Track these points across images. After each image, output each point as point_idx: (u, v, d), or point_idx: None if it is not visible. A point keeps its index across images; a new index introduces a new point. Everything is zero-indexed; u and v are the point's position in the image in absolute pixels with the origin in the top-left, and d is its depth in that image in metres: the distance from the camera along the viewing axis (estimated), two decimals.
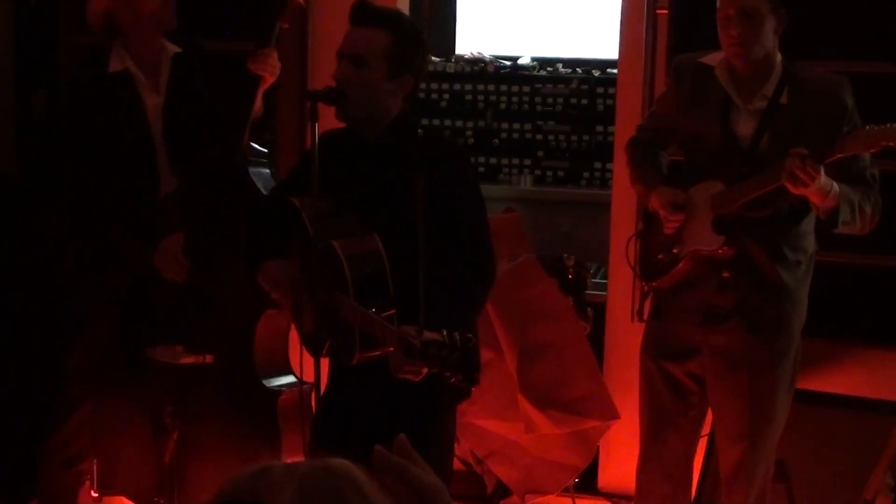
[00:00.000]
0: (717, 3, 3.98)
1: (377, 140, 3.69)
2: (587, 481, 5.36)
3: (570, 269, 5.36)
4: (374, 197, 3.66)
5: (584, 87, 6.79)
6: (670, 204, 4.16)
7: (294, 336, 4.21)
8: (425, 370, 3.23)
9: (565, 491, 5.25)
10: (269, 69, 4.46)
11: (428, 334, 3.11)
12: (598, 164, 6.76)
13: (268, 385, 4.47)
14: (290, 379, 4.57)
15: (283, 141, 5.34)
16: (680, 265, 4.20)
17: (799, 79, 4.03)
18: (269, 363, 4.52)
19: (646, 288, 4.45)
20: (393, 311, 3.40)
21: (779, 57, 4.04)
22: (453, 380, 3.08)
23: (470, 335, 3.08)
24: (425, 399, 3.59)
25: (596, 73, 6.83)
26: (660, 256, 4.27)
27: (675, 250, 4.20)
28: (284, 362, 4.61)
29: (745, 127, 4.07)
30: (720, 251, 4.08)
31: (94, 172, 4.47)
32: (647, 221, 4.40)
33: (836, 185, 3.83)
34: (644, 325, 4.45)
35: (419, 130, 3.72)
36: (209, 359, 4.38)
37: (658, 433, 4.37)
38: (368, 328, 3.38)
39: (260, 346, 4.49)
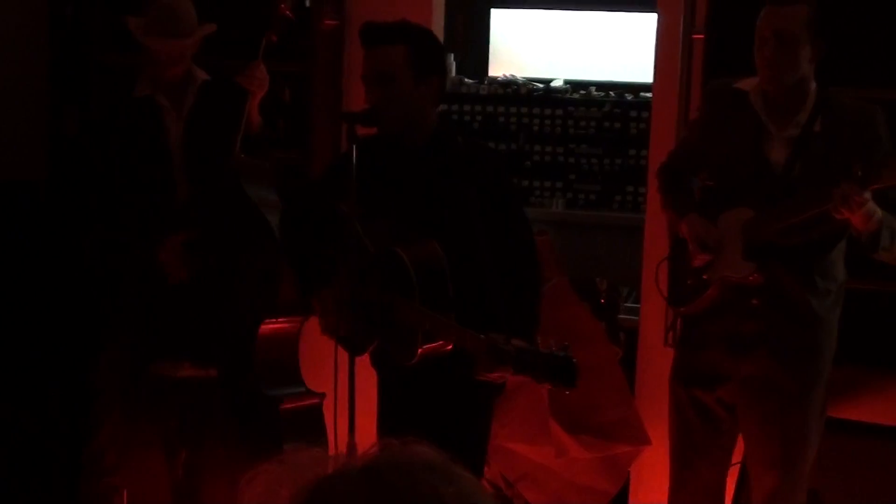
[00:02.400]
0: (757, 23, 3.97)
1: (419, 148, 3.75)
2: None
3: (603, 293, 5.34)
4: (421, 203, 3.71)
5: (617, 110, 6.78)
6: (700, 242, 4.13)
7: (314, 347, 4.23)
8: (510, 372, 3.35)
9: None
10: (257, 83, 4.47)
11: (517, 342, 3.25)
12: (630, 188, 6.75)
13: (270, 394, 4.43)
14: (296, 388, 4.54)
15: (316, 158, 5.34)
16: (709, 291, 4.16)
17: (833, 106, 3.99)
18: (272, 372, 4.48)
19: (674, 314, 4.43)
20: (453, 315, 3.51)
21: (813, 84, 4.01)
22: (548, 385, 3.26)
23: (567, 343, 3.18)
24: (471, 393, 3.73)
25: (629, 97, 6.82)
26: (689, 282, 4.24)
27: (704, 276, 4.17)
28: (290, 371, 4.56)
29: (777, 154, 4.03)
30: (750, 278, 4.04)
31: (113, 193, 4.49)
32: (677, 246, 4.37)
33: (879, 210, 3.80)
34: (674, 351, 4.43)
35: (459, 138, 3.78)
36: (213, 372, 4.38)
37: (689, 462, 4.33)
38: (441, 334, 3.49)
39: (262, 356, 4.45)
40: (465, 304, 3.54)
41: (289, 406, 4.42)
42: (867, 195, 3.72)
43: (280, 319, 4.46)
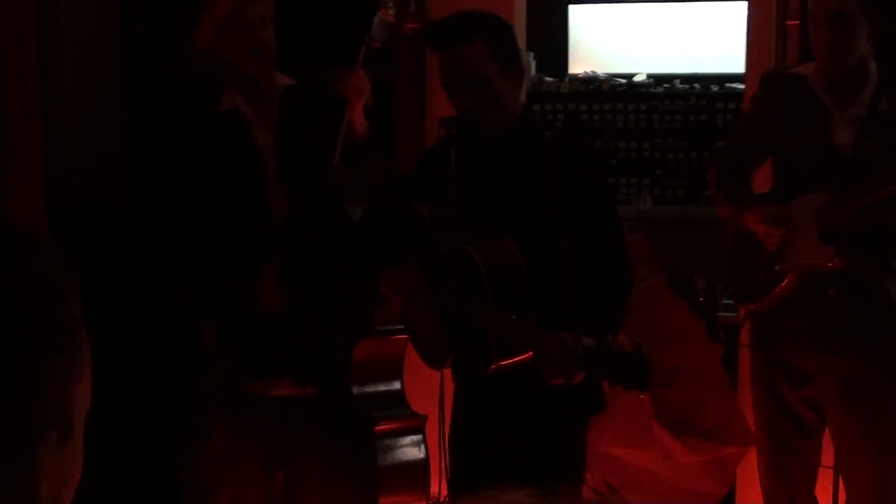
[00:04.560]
0: (808, 5, 3.87)
1: (503, 142, 3.58)
2: None
3: (700, 291, 5.22)
4: (504, 201, 3.56)
5: (703, 102, 6.65)
6: (770, 218, 3.99)
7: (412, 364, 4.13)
8: (581, 375, 3.15)
9: None
10: (356, 90, 4.21)
11: (587, 341, 3.03)
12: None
13: (366, 415, 4.33)
14: (395, 410, 4.44)
15: (401, 165, 5.25)
16: (783, 284, 4.02)
17: None
18: (369, 393, 4.38)
19: (745, 312, 4.29)
20: (531, 319, 3.31)
21: (873, 63, 3.91)
22: (621, 387, 3.02)
23: (639, 339, 3.01)
24: (559, 412, 3.52)
25: (714, 88, 6.68)
26: (760, 276, 4.09)
27: (777, 267, 4.03)
28: (391, 392, 4.47)
29: (844, 136, 3.92)
30: (829, 264, 3.90)
31: (205, 213, 4.39)
32: (741, 242, 4.21)
33: None
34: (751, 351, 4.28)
35: (546, 133, 3.62)
36: (310, 391, 4.28)
37: (779, 464, 4.21)
38: (513, 337, 3.28)
39: (359, 376, 4.35)
40: (547, 307, 3.36)
41: (384, 427, 4.32)
42: None
43: (378, 339, 4.35)
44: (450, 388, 3.73)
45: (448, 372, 3.71)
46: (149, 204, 5.40)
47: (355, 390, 4.30)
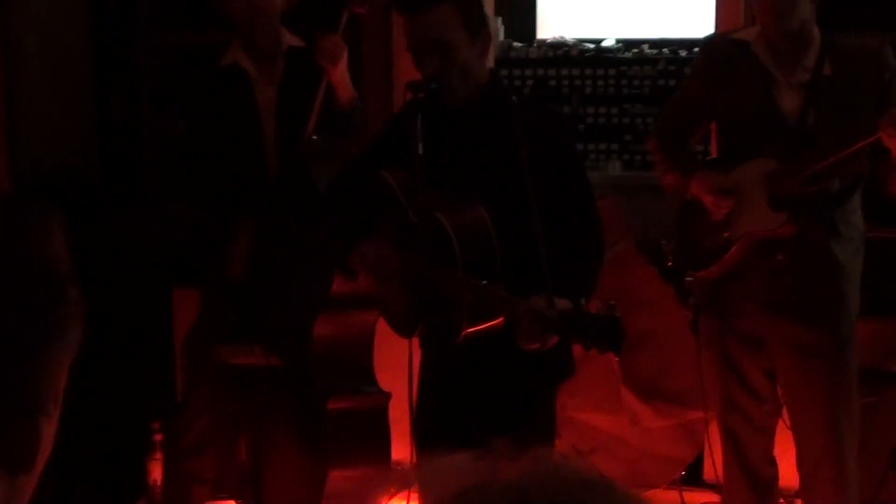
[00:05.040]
0: None
1: (470, 108, 3.55)
2: (694, 473, 5.21)
3: (669, 256, 5.20)
4: (471, 166, 3.54)
5: (672, 67, 6.60)
6: (718, 188, 3.98)
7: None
8: (555, 340, 3.14)
9: (672, 484, 5.12)
10: (328, 56, 4.21)
11: (560, 304, 3.01)
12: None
13: (322, 388, 4.31)
14: (356, 385, 4.42)
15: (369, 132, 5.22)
16: (732, 251, 4.02)
17: (839, 48, 3.91)
18: (330, 367, 4.36)
19: (691, 280, 4.29)
20: (502, 285, 3.30)
21: (816, 28, 3.92)
22: (595, 350, 3.01)
23: (613, 302, 2.99)
24: (528, 378, 3.52)
25: (683, 53, 6.64)
26: (706, 244, 4.09)
27: (725, 235, 4.02)
28: (354, 368, 4.45)
29: (789, 101, 3.94)
30: (780, 230, 3.91)
31: (205, 168, 4.38)
32: (685, 210, 4.21)
33: None
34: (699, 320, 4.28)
35: (514, 98, 3.60)
36: (275, 360, 4.27)
37: (736, 433, 4.21)
38: (484, 303, 3.27)
39: (320, 350, 4.33)
40: (517, 272, 3.35)
41: (342, 403, 4.31)
42: None
43: (343, 313, 4.33)
44: (418, 355, 3.72)
45: (416, 340, 3.70)
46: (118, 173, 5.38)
47: (317, 364, 4.29)
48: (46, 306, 1.31)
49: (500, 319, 3.31)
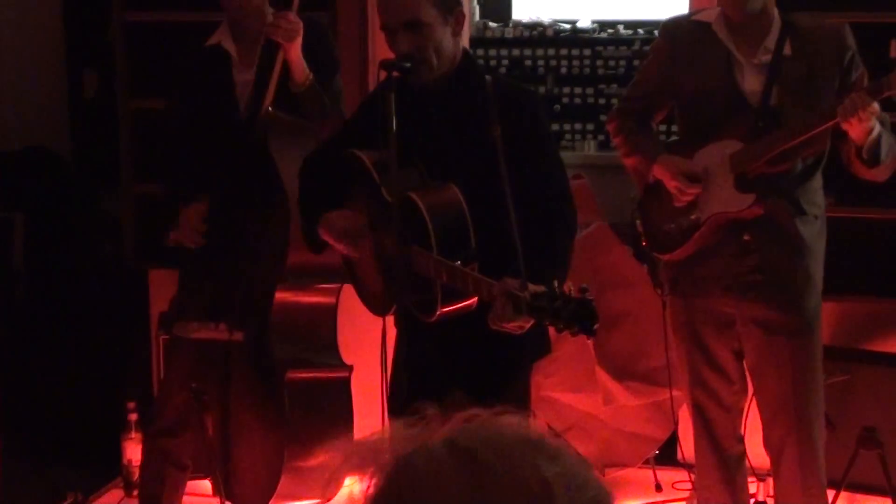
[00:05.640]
0: None
1: (443, 87, 3.56)
2: (667, 452, 5.23)
3: (643, 236, 5.22)
4: (445, 146, 3.55)
5: (647, 48, 6.60)
6: (684, 175, 4.00)
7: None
8: (530, 324, 3.15)
9: (646, 463, 5.15)
10: (282, 34, 4.17)
11: (533, 287, 3.02)
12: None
13: (281, 361, 4.31)
14: (317, 358, 4.42)
15: (345, 111, 5.22)
16: (699, 233, 4.04)
17: (799, 28, 3.93)
18: (290, 340, 4.35)
19: (658, 264, 4.30)
20: (475, 265, 3.31)
21: (776, 9, 3.94)
22: (567, 332, 3.01)
23: (585, 285, 3.00)
24: (503, 356, 3.53)
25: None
26: (670, 227, 4.11)
27: (692, 217, 4.04)
28: (315, 340, 4.44)
29: (751, 82, 3.95)
30: (748, 211, 3.93)
31: (180, 146, 4.40)
32: (649, 192, 4.22)
33: (878, 124, 3.75)
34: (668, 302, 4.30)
35: (487, 77, 3.60)
36: (237, 335, 4.27)
37: (705, 412, 4.22)
38: (458, 284, 3.28)
39: (279, 322, 4.32)
40: (491, 252, 3.36)
41: (300, 374, 4.30)
42: (876, 105, 3.68)
43: (304, 287, 4.33)
44: (392, 334, 3.72)
45: (391, 318, 3.70)
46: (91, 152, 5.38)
47: (277, 336, 4.29)
48: None
49: (475, 300, 3.32)
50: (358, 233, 3.64)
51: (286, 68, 4.23)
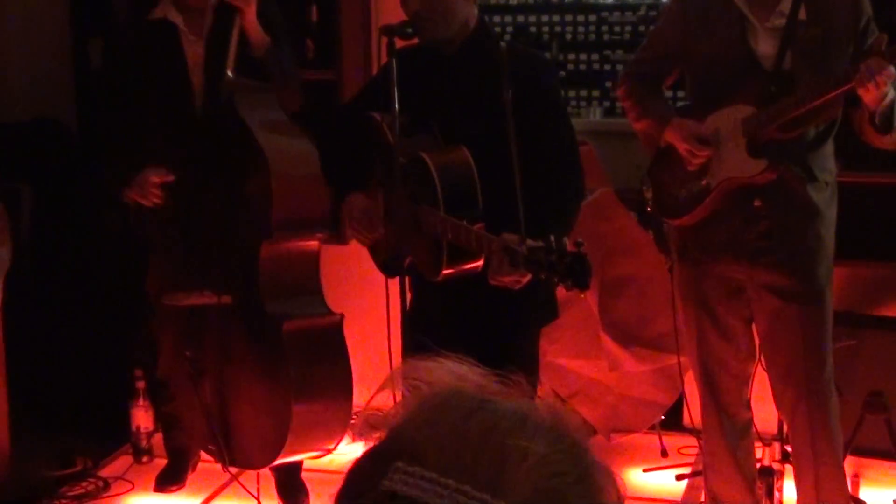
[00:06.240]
0: None
1: (458, 53, 3.63)
2: (673, 418, 5.25)
3: (649, 202, 5.21)
4: (459, 110, 3.61)
5: (653, 13, 6.59)
6: (695, 138, 3.98)
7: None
8: (527, 278, 3.17)
9: (651, 428, 5.15)
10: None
11: (531, 242, 3.05)
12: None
13: (273, 314, 4.30)
14: (308, 308, 4.40)
15: (347, 77, 5.21)
16: (709, 198, 4.02)
17: None
18: (279, 293, 4.34)
19: (669, 228, 4.29)
20: (482, 224, 3.36)
21: None
22: (562, 285, 3.03)
23: (580, 240, 3.01)
24: (510, 319, 3.56)
25: None
26: (680, 192, 4.09)
27: (703, 182, 4.03)
28: (304, 291, 4.43)
29: (765, 46, 3.91)
30: (760, 176, 3.91)
31: (132, 122, 4.39)
32: (660, 157, 4.21)
33: (892, 90, 3.71)
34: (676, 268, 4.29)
35: (502, 43, 3.64)
36: (226, 299, 4.28)
37: (713, 379, 4.22)
38: (461, 241, 3.33)
39: (265, 277, 4.31)
40: (498, 213, 3.41)
41: (294, 326, 4.29)
42: (892, 69, 3.64)
43: (282, 240, 4.32)
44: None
45: (395, 280, 3.73)
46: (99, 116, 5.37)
47: (266, 291, 4.29)
48: None
49: (480, 262, 3.36)
50: (368, 221, 3.70)
51: (243, 35, 4.22)
